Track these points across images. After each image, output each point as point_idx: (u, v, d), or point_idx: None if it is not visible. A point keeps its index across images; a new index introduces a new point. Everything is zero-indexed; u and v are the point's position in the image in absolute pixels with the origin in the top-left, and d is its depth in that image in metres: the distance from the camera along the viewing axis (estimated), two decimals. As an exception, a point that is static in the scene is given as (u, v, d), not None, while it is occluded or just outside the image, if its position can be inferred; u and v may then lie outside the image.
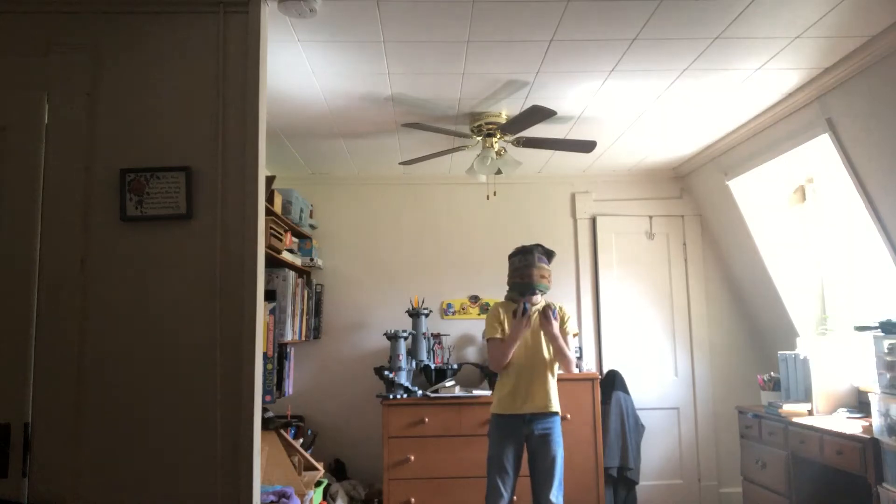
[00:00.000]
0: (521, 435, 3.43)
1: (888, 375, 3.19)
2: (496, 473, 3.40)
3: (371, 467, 4.81)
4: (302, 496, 3.38)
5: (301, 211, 4.60)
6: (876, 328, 3.31)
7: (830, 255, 4.41)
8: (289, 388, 4.32)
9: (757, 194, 4.55)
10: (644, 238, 5.28)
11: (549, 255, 3.61)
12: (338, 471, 4.84)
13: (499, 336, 3.49)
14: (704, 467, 5.09)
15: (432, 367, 4.77)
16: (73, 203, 2.12)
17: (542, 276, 3.51)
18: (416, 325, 4.82)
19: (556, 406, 3.50)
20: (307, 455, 3.88)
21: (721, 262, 5.28)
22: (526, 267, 3.50)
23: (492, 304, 4.70)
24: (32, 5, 2.21)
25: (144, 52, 2.22)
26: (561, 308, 3.58)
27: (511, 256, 3.63)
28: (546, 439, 3.41)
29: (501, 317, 3.53)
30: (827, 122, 3.43)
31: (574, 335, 3.67)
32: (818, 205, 4.47)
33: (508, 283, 3.63)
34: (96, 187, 2.14)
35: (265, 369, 3.44)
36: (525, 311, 3.39)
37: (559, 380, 3.62)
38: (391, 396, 4.48)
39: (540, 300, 3.59)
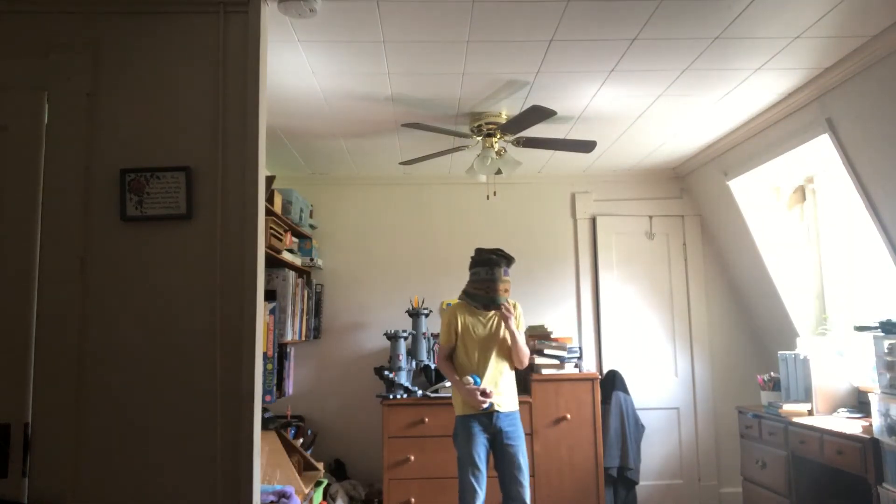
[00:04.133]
0: (489, 433, 3.52)
1: (888, 375, 3.19)
2: (469, 471, 3.47)
3: (371, 467, 4.81)
4: (302, 496, 3.37)
5: (301, 211, 4.60)
6: (876, 328, 3.31)
7: (830, 255, 4.41)
8: (289, 388, 4.32)
9: (757, 194, 4.55)
10: (644, 238, 5.28)
11: (511, 262, 3.70)
12: (338, 471, 4.84)
13: (448, 346, 3.66)
14: (704, 467, 5.09)
15: (432, 367, 4.77)
16: (73, 203, 2.12)
17: (506, 290, 3.64)
18: (416, 325, 4.82)
19: (515, 403, 3.64)
20: (307, 455, 3.88)
21: (721, 262, 5.28)
22: (492, 281, 3.59)
23: None
24: (32, 5, 2.21)
25: (144, 52, 2.22)
26: (516, 306, 3.73)
27: (476, 264, 3.68)
28: (512, 439, 3.54)
29: (456, 323, 3.65)
30: (827, 122, 3.43)
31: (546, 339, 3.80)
32: (818, 205, 4.47)
33: (469, 290, 3.69)
34: (96, 187, 2.14)
35: (265, 369, 3.44)
36: (473, 385, 3.50)
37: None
38: (391, 396, 4.48)
39: None
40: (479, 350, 3.60)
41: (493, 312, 3.66)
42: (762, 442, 4.09)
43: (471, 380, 3.52)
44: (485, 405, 3.48)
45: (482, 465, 3.48)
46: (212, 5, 2.22)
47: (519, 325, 3.69)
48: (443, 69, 3.19)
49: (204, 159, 2.17)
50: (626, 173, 5.31)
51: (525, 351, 3.64)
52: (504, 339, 3.63)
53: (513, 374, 3.69)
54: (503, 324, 3.64)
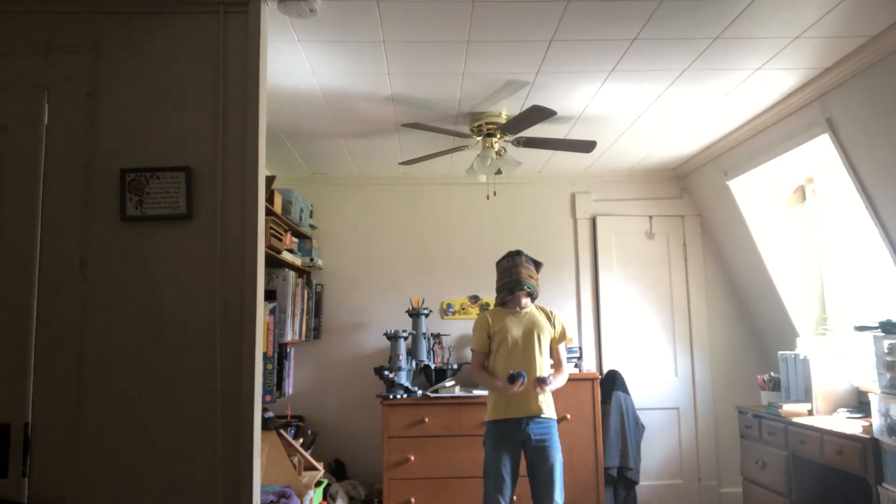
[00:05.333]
0: (517, 440, 3.40)
1: (888, 375, 3.19)
2: (493, 483, 3.37)
3: (371, 467, 4.81)
4: (302, 496, 3.37)
5: (301, 211, 4.60)
6: (876, 328, 3.31)
7: (830, 255, 4.41)
8: (289, 388, 4.32)
9: (757, 194, 4.55)
10: (644, 238, 5.28)
11: (537, 264, 3.65)
12: (338, 471, 4.84)
13: (481, 351, 3.56)
14: (704, 467, 5.09)
15: (432, 367, 4.77)
16: (73, 203, 2.12)
17: (530, 276, 3.55)
18: (416, 325, 4.82)
19: (551, 411, 3.48)
20: (307, 455, 3.88)
21: (721, 262, 5.28)
22: (513, 267, 3.54)
23: (491, 304, 4.71)
24: (32, 5, 2.21)
25: (144, 52, 2.22)
26: (552, 314, 3.63)
27: (498, 262, 3.68)
28: (544, 446, 3.39)
29: (488, 326, 3.54)
30: (827, 122, 3.43)
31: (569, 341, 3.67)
32: (818, 205, 4.47)
33: (497, 288, 3.63)
34: (96, 187, 2.14)
35: (265, 369, 3.44)
36: (519, 380, 3.32)
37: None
38: (391, 396, 4.48)
39: (529, 303, 3.60)
40: (519, 349, 3.46)
41: (526, 310, 3.55)
42: (762, 442, 4.09)
43: (519, 377, 3.33)
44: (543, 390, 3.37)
45: (506, 475, 3.36)
46: (212, 5, 2.22)
47: (564, 336, 3.63)
48: (443, 69, 3.19)
49: (204, 159, 2.17)
50: (626, 173, 5.31)
51: (561, 384, 3.58)
52: (542, 338, 3.51)
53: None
54: (540, 327, 3.52)
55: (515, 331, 3.51)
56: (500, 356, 3.50)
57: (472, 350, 3.64)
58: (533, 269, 3.60)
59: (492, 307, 3.79)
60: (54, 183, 2.12)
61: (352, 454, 4.95)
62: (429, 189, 5.31)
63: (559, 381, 3.55)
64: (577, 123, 4.02)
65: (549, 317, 3.62)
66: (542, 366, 3.50)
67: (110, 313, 2.11)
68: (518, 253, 3.61)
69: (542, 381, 3.37)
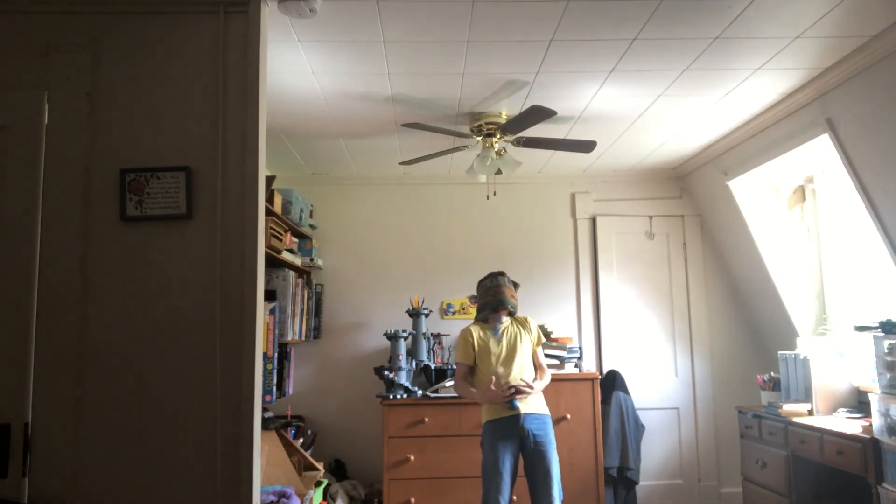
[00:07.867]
0: (516, 437, 3.44)
1: (888, 375, 3.19)
2: (492, 482, 3.40)
3: (371, 467, 4.81)
4: (302, 496, 3.37)
5: (301, 211, 4.60)
6: (876, 328, 3.31)
7: (830, 255, 4.41)
8: (289, 388, 4.32)
9: (757, 194, 4.55)
10: (644, 238, 5.28)
11: (515, 284, 3.77)
12: (338, 471, 4.84)
13: (466, 363, 3.63)
14: (704, 467, 5.09)
15: (432, 367, 4.77)
16: (73, 203, 2.12)
17: (512, 296, 3.67)
18: (416, 325, 4.82)
19: (544, 407, 3.58)
20: (307, 455, 3.88)
21: (721, 262, 5.28)
22: (496, 287, 3.66)
23: None
24: (32, 5, 2.21)
25: (144, 52, 2.22)
26: (528, 320, 3.72)
27: (480, 281, 3.78)
28: (541, 441, 3.45)
29: (473, 340, 3.63)
30: (827, 122, 3.43)
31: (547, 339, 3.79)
32: (818, 205, 4.48)
33: (479, 306, 3.72)
34: (96, 187, 2.14)
35: (265, 369, 3.44)
36: (511, 403, 3.45)
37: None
38: (391, 396, 4.48)
39: (507, 320, 3.69)
40: (500, 366, 3.53)
41: (504, 325, 3.64)
42: (762, 442, 4.09)
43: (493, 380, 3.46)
44: (509, 394, 3.42)
45: (505, 474, 3.39)
46: (212, 5, 2.22)
47: (541, 339, 3.73)
48: (443, 69, 3.19)
49: (204, 159, 2.17)
50: (626, 173, 5.31)
51: (545, 385, 3.63)
52: (524, 352, 3.59)
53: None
54: (519, 337, 3.62)
55: (495, 348, 3.60)
56: (484, 372, 3.56)
57: (457, 362, 3.71)
58: (513, 289, 3.73)
59: (473, 322, 3.83)
60: (54, 183, 2.12)
61: (352, 454, 4.95)
62: (429, 189, 5.31)
63: (543, 383, 3.62)
64: (577, 123, 4.02)
65: (524, 324, 3.71)
66: (527, 372, 3.58)
67: (110, 313, 2.11)
68: (501, 273, 3.74)
69: (520, 390, 3.45)
